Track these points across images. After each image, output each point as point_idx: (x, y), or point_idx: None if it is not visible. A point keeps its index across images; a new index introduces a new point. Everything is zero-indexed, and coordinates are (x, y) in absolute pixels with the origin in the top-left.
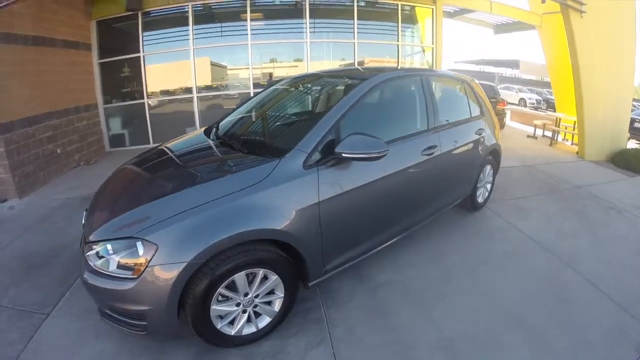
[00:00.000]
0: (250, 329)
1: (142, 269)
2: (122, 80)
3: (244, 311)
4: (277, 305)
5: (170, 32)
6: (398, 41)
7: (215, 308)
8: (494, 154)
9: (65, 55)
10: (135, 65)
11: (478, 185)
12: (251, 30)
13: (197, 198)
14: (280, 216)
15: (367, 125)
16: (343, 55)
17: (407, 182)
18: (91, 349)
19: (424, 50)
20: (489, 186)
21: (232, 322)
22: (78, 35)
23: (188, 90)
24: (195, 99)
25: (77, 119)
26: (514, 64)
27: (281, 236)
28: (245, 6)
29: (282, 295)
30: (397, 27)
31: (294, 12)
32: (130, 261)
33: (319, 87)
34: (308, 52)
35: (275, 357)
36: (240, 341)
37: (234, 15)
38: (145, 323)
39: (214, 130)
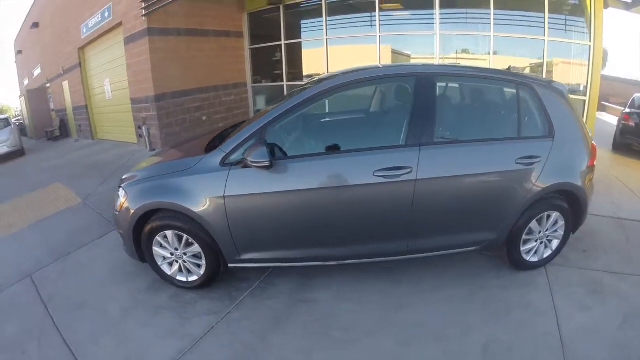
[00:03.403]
0: (182, 278)
1: (122, 206)
2: (268, 63)
3: (177, 262)
4: (202, 269)
5: (308, 23)
6: (544, 36)
7: (156, 250)
8: (571, 198)
9: (215, 43)
10: (277, 52)
11: (527, 237)
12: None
13: (151, 172)
14: (192, 198)
15: (306, 134)
16: (474, 50)
17: (343, 204)
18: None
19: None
20: (555, 243)
21: (170, 265)
22: (230, 25)
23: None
24: None
25: (225, 95)
26: None
27: (190, 213)
28: None
29: (204, 263)
30: (544, 18)
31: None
32: (120, 201)
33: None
34: (437, 46)
35: (191, 304)
36: (175, 283)
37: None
38: (123, 242)
39: None
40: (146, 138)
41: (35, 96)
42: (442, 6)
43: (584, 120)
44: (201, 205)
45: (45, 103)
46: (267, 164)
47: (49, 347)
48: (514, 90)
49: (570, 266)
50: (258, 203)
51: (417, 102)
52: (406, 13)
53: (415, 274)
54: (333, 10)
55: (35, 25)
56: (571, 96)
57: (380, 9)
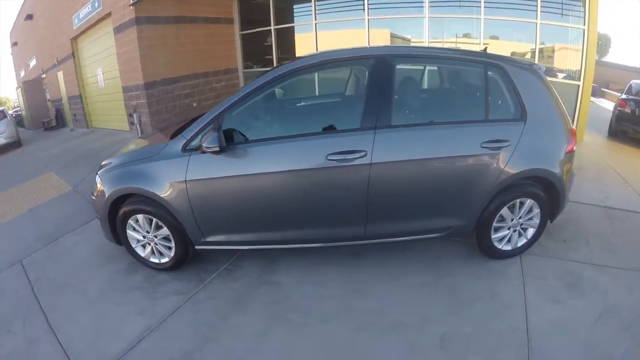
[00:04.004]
0: (155, 260)
1: (98, 192)
2: (260, 49)
3: (149, 244)
4: (172, 251)
5: (298, 8)
6: (537, 19)
7: (130, 233)
8: (547, 186)
9: (205, 29)
10: (268, 37)
11: (499, 224)
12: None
13: (124, 159)
14: (157, 183)
15: (267, 118)
16: (465, 33)
17: (297, 188)
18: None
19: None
20: (531, 231)
21: (144, 247)
22: (220, 12)
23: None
24: None
25: (216, 80)
26: None
27: (156, 197)
28: None
29: (174, 245)
30: (537, 0)
31: None
32: (97, 187)
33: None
34: (427, 29)
35: (162, 284)
36: (149, 264)
37: None
38: (101, 226)
39: None
40: (137, 125)
41: (31, 87)
42: None
43: (577, 105)
44: (166, 189)
45: (42, 94)
46: (217, 149)
47: (32, 326)
48: (482, 71)
49: (547, 256)
50: (216, 187)
51: (373, 84)
52: None
53: (381, 258)
54: None
55: (30, 17)
56: (565, 81)
57: None
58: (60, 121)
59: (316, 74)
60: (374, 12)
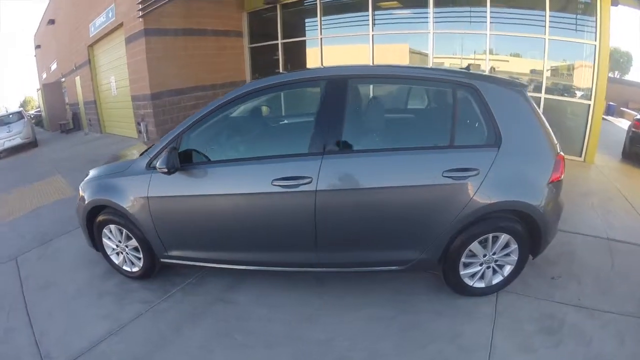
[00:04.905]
0: (127, 268)
1: (79, 201)
2: (268, 61)
3: (121, 253)
4: (141, 262)
5: (304, 22)
6: (545, 34)
7: (105, 241)
8: (526, 219)
9: (214, 42)
10: (276, 50)
11: (469, 259)
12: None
13: (101, 171)
14: (124, 197)
15: (216, 141)
16: (470, 49)
17: (244, 211)
18: None
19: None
20: (508, 268)
21: (118, 255)
22: (229, 24)
23: None
24: None
25: (222, 93)
26: None
27: (123, 210)
28: None
29: (142, 256)
30: (545, 15)
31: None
32: (79, 196)
33: None
34: (432, 44)
35: (131, 291)
36: (122, 272)
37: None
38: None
39: None
40: (144, 134)
41: (51, 90)
42: (436, 4)
43: (588, 125)
44: (131, 203)
45: (61, 97)
46: (165, 170)
47: (14, 318)
48: (450, 92)
49: (529, 295)
50: (173, 205)
51: (322, 107)
52: (400, 12)
53: (343, 287)
54: (327, 10)
55: (52, 21)
56: (573, 100)
57: (377, 7)
58: (76, 124)
59: (282, 95)
60: (379, 28)
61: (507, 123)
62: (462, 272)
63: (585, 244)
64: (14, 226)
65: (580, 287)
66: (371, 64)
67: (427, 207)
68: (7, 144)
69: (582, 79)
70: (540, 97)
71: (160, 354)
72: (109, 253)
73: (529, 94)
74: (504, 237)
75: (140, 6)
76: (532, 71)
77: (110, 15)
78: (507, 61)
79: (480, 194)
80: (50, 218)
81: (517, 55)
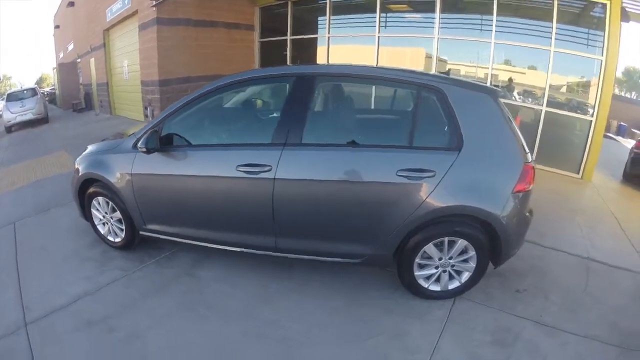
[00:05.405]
0: (111, 238)
1: (74, 173)
2: (277, 56)
3: (107, 224)
4: (123, 233)
5: (313, 20)
6: (550, 46)
7: (93, 212)
8: (488, 228)
9: (225, 34)
10: (285, 46)
11: (424, 261)
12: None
13: (96, 148)
14: (112, 172)
15: (195, 127)
16: (474, 58)
17: (212, 192)
18: None
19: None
20: (466, 275)
21: (104, 226)
22: (241, 18)
23: None
24: None
25: None
26: None
27: (110, 184)
28: None
29: (124, 227)
30: (552, 27)
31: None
32: (75, 169)
33: None
34: (437, 50)
35: (112, 259)
36: (106, 241)
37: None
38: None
39: None
40: (150, 118)
41: (66, 69)
42: (443, 10)
43: (588, 142)
44: (117, 178)
45: (75, 76)
46: (144, 150)
47: (5, 276)
48: (415, 93)
49: (489, 305)
50: (151, 182)
51: (289, 102)
52: (407, 15)
53: (307, 275)
54: (337, 9)
55: (72, 4)
56: (576, 115)
57: (386, 9)
58: (88, 104)
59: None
60: (385, 30)
61: (472, 128)
62: (417, 273)
63: (561, 260)
64: (18, 194)
65: (545, 304)
66: (340, 64)
67: (381, 203)
68: (19, 119)
69: (586, 94)
70: (541, 110)
71: (127, 314)
72: (96, 223)
73: (536, 106)
74: (460, 242)
75: None
76: (534, 83)
77: (126, 2)
78: (510, 71)
79: (435, 196)
80: (52, 190)
81: (520, 65)
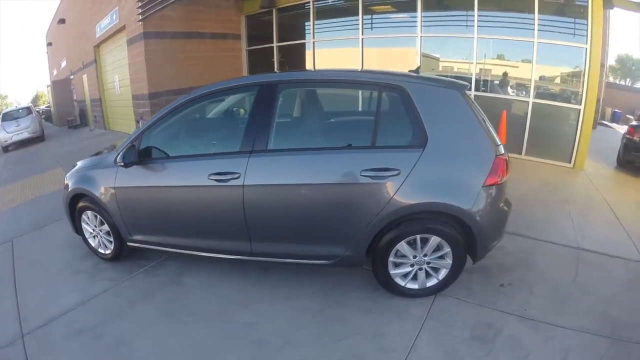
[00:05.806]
0: (102, 250)
1: (64, 189)
2: (265, 64)
3: (97, 237)
4: (112, 245)
5: (298, 26)
6: (534, 37)
7: (84, 225)
8: (460, 224)
9: (212, 44)
10: (272, 53)
11: (398, 259)
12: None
13: (83, 164)
14: (98, 187)
15: (171, 139)
16: (458, 53)
17: (187, 202)
18: None
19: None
20: (443, 272)
21: (94, 239)
22: (227, 27)
23: None
24: None
25: None
26: None
27: (96, 198)
28: None
29: (113, 239)
30: (534, 18)
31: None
32: (64, 184)
33: None
34: (420, 47)
35: (103, 271)
36: (97, 254)
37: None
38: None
39: None
40: None
41: (60, 87)
42: (425, 9)
43: (578, 131)
44: (102, 192)
45: (69, 93)
46: (122, 164)
47: (3, 288)
48: (377, 93)
49: (470, 301)
50: (132, 194)
51: (254, 110)
52: (389, 16)
53: (284, 277)
54: (320, 14)
55: (62, 21)
56: (564, 104)
57: (369, 11)
58: (83, 120)
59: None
60: (368, 32)
61: (436, 124)
62: (392, 272)
63: (550, 252)
64: (15, 212)
65: (530, 297)
66: (301, 70)
67: (347, 204)
68: (15, 138)
69: (573, 83)
70: (528, 102)
71: (115, 322)
72: (87, 236)
73: (524, 98)
74: (433, 239)
75: (139, 10)
76: (521, 75)
77: (114, 17)
78: (495, 64)
79: (401, 194)
80: (47, 206)
81: (505, 58)
